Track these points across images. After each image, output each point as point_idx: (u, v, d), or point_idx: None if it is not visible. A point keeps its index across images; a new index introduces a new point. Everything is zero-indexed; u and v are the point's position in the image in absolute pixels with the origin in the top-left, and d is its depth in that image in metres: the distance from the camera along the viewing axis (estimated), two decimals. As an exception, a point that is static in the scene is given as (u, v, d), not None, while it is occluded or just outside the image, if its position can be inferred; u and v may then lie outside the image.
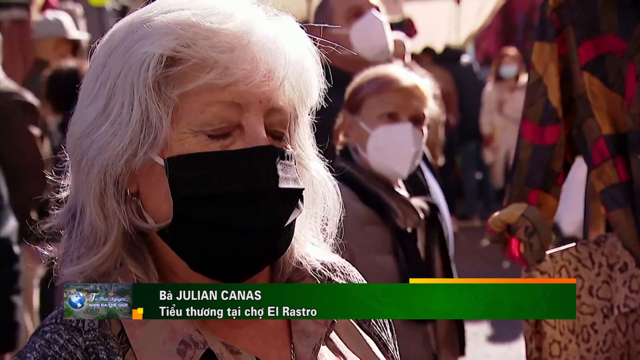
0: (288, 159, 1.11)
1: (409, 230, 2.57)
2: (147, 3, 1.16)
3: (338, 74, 2.49)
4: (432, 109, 2.69)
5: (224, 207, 1.06)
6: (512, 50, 9.60)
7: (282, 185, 1.08)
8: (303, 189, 1.13)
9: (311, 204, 1.19)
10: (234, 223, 1.07)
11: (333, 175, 1.23)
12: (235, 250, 1.08)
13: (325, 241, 1.23)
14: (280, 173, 1.08)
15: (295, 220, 1.12)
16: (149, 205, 1.10)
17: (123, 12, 8.72)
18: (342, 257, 1.28)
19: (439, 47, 10.78)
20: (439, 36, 11.36)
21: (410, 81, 2.56)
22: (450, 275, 2.71)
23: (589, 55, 2.15)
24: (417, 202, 2.62)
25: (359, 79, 2.65)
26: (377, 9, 3.16)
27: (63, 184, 1.17)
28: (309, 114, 1.19)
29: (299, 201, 1.12)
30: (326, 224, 1.22)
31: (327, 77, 1.17)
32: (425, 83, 2.62)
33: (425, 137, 2.65)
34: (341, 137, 2.65)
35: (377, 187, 2.55)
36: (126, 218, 1.09)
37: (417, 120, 2.57)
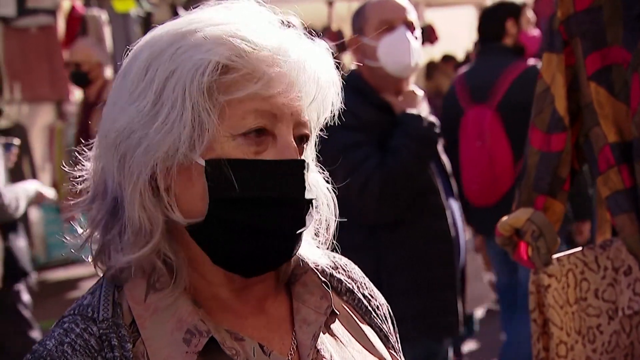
0: (308, 170, 1.19)
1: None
2: (174, 11, 1.24)
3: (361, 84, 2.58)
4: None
5: (256, 210, 1.14)
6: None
7: (308, 196, 1.17)
8: (314, 198, 1.22)
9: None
10: (263, 226, 1.15)
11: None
12: (261, 250, 1.17)
13: (320, 247, 1.31)
14: (306, 185, 1.17)
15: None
16: (181, 201, 1.16)
17: (147, 18, 8.81)
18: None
19: (459, 54, 10.78)
20: (460, 42, 11.37)
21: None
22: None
23: (596, 65, 2.20)
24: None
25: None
26: (411, 25, 3.19)
27: (84, 174, 1.23)
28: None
29: (312, 208, 1.21)
30: (319, 231, 1.30)
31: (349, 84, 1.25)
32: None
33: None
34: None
35: None
36: (169, 212, 1.16)
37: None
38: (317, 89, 1.18)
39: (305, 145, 1.22)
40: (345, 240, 1.44)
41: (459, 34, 11.29)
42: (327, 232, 1.30)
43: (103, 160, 1.19)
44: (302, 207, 1.17)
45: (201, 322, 1.15)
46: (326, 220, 1.29)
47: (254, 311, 1.23)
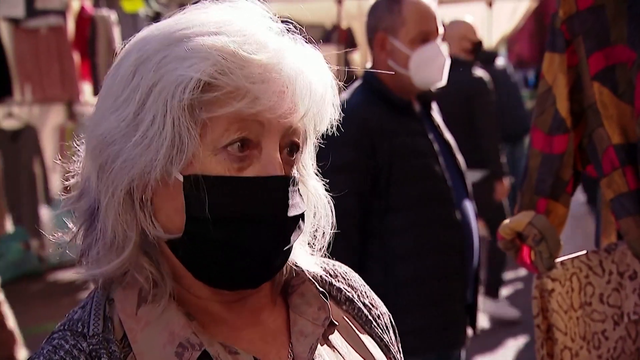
0: (294, 185, 1.15)
1: None
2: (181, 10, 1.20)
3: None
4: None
5: (235, 229, 1.11)
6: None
7: (291, 213, 1.13)
8: (304, 211, 1.18)
9: (308, 220, 1.24)
10: (241, 245, 1.11)
11: None
12: (241, 267, 1.13)
13: (315, 255, 1.28)
14: (290, 202, 1.12)
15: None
16: (161, 216, 1.14)
17: (156, 18, 8.80)
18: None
19: (471, 50, 10.71)
20: (471, 39, 11.29)
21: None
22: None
23: (599, 65, 2.15)
24: None
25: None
26: (442, 38, 3.14)
27: (73, 170, 1.21)
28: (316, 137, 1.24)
29: (301, 222, 1.17)
30: (315, 239, 1.27)
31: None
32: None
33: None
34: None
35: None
36: (146, 225, 1.13)
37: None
38: (312, 101, 1.13)
39: (297, 155, 1.18)
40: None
41: (470, 30, 11.21)
42: (322, 239, 1.27)
43: (87, 162, 1.17)
44: (283, 225, 1.13)
45: (194, 335, 1.12)
46: (322, 228, 1.26)
47: (249, 323, 1.20)
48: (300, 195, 1.18)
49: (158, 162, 1.09)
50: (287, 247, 1.15)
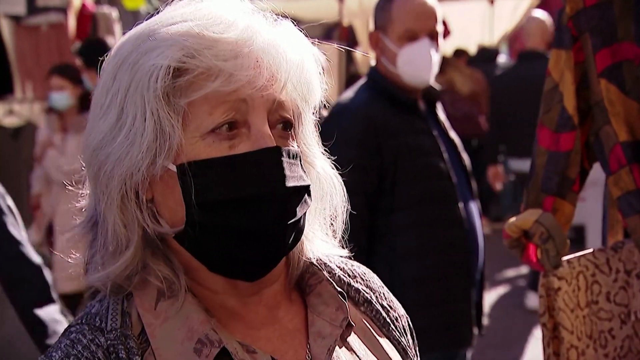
0: (293, 157, 1.14)
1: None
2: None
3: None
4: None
5: (234, 210, 1.10)
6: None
7: (290, 184, 1.11)
8: (309, 185, 1.16)
9: (319, 201, 1.23)
10: (245, 225, 1.10)
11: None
12: (249, 250, 1.12)
13: (334, 237, 1.26)
14: (287, 172, 1.11)
15: (304, 215, 1.15)
16: (165, 211, 1.14)
17: (157, 15, 8.79)
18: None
19: (472, 48, 10.72)
20: (473, 37, 11.30)
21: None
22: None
23: (606, 62, 2.14)
24: None
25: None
26: (435, 36, 3.13)
27: (82, 193, 1.21)
28: (313, 113, 1.23)
29: (307, 196, 1.16)
30: (332, 222, 1.25)
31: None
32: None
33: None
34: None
35: None
36: (147, 223, 1.13)
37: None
38: (289, 68, 1.13)
39: (295, 131, 1.18)
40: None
41: (471, 28, 11.22)
42: (335, 221, 1.25)
43: (87, 175, 1.18)
44: (284, 196, 1.11)
45: (213, 332, 1.12)
46: (336, 208, 1.25)
47: (267, 321, 1.20)
48: (304, 169, 1.16)
49: (144, 156, 1.09)
50: (293, 219, 1.12)
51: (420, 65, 3.08)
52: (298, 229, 1.15)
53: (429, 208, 3.04)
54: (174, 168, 1.10)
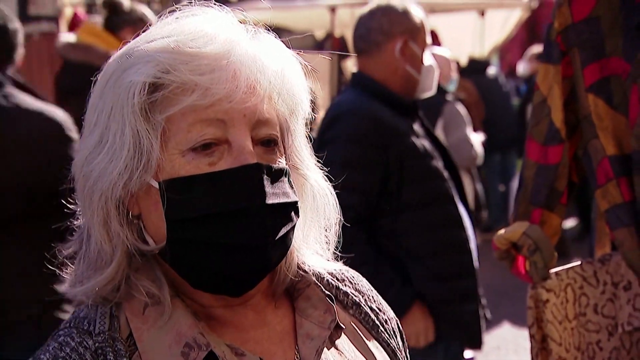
0: (277, 174, 1.14)
1: None
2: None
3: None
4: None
5: (214, 227, 1.10)
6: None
7: (270, 201, 1.11)
8: (296, 202, 1.16)
9: (314, 214, 1.23)
10: (224, 241, 1.11)
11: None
12: (230, 266, 1.12)
13: (327, 249, 1.27)
14: (267, 189, 1.11)
15: (289, 231, 1.15)
16: (150, 226, 1.15)
17: (149, 25, 8.80)
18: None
19: (462, 59, 10.75)
20: (463, 48, 11.33)
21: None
22: None
23: (594, 77, 2.16)
24: None
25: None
26: (436, 38, 3.25)
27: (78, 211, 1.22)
28: (305, 125, 1.23)
29: (292, 213, 1.16)
30: (326, 233, 1.26)
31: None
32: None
33: None
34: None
35: None
36: (130, 239, 1.14)
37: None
38: (269, 80, 1.13)
39: (285, 144, 1.18)
40: None
41: (461, 39, 11.26)
42: (327, 232, 1.26)
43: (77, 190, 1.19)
44: (264, 214, 1.11)
45: (200, 336, 1.12)
46: (329, 221, 1.25)
47: (256, 324, 1.21)
48: (291, 185, 1.16)
49: (122, 171, 1.10)
50: (277, 237, 1.12)
51: (434, 75, 3.21)
52: (284, 246, 1.16)
53: (436, 208, 3.07)
54: (155, 184, 1.11)
